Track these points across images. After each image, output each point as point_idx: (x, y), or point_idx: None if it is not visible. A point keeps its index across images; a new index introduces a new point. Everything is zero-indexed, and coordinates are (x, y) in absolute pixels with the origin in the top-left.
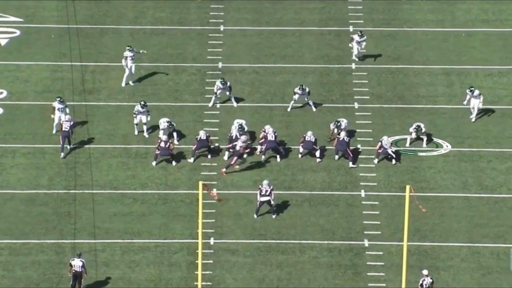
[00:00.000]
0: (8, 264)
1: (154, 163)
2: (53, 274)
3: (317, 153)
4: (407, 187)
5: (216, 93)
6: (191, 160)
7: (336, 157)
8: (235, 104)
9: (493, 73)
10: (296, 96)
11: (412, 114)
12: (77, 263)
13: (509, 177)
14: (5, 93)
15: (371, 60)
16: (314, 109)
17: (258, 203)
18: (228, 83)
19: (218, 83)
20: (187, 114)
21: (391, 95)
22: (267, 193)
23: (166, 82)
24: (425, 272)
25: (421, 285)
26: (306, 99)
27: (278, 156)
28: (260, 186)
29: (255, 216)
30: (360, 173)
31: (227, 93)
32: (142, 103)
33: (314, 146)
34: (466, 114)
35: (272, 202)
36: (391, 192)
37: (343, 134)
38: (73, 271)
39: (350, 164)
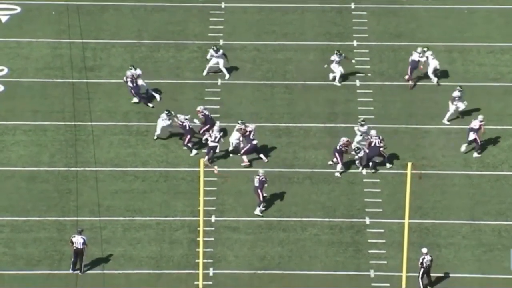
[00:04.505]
0: (9, 241)
1: (194, 152)
2: (54, 251)
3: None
4: (409, 164)
5: (209, 60)
6: (194, 153)
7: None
8: (227, 76)
9: (495, 50)
10: (334, 64)
11: (414, 92)
12: (78, 240)
13: (511, 155)
14: (5, 70)
15: (373, 37)
16: (338, 83)
17: (261, 191)
18: (221, 51)
19: (211, 50)
20: (189, 91)
21: (392, 72)
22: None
23: (167, 59)
24: (424, 250)
25: (421, 263)
26: (340, 68)
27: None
28: (258, 176)
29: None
30: None
31: (221, 61)
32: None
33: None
34: (468, 92)
35: (265, 195)
36: (392, 169)
37: (374, 139)
38: (74, 247)
39: (388, 165)
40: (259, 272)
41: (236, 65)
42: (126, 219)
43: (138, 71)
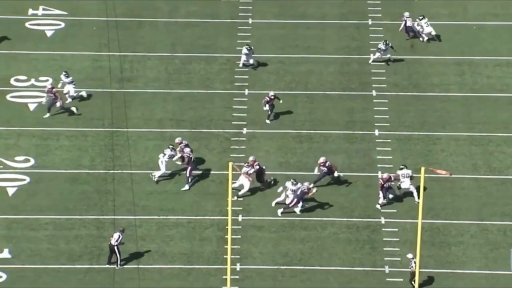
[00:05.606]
0: (53, 237)
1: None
2: (94, 247)
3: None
4: (422, 168)
5: (245, 58)
6: (186, 187)
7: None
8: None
9: (501, 63)
10: (379, 53)
11: (426, 101)
12: (114, 236)
13: None
14: (50, 81)
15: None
16: (391, 60)
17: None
18: (252, 50)
19: (244, 49)
20: (218, 101)
21: (406, 83)
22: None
23: (198, 71)
24: (410, 255)
25: (413, 267)
26: (388, 55)
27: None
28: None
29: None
30: (377, 155)
31: (251, 60)
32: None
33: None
34: (476, 102)
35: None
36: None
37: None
38: (109, 243)
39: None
40: (282, 267)
41: (262, 77)
42: (160, 218)
43: (69, 79)
